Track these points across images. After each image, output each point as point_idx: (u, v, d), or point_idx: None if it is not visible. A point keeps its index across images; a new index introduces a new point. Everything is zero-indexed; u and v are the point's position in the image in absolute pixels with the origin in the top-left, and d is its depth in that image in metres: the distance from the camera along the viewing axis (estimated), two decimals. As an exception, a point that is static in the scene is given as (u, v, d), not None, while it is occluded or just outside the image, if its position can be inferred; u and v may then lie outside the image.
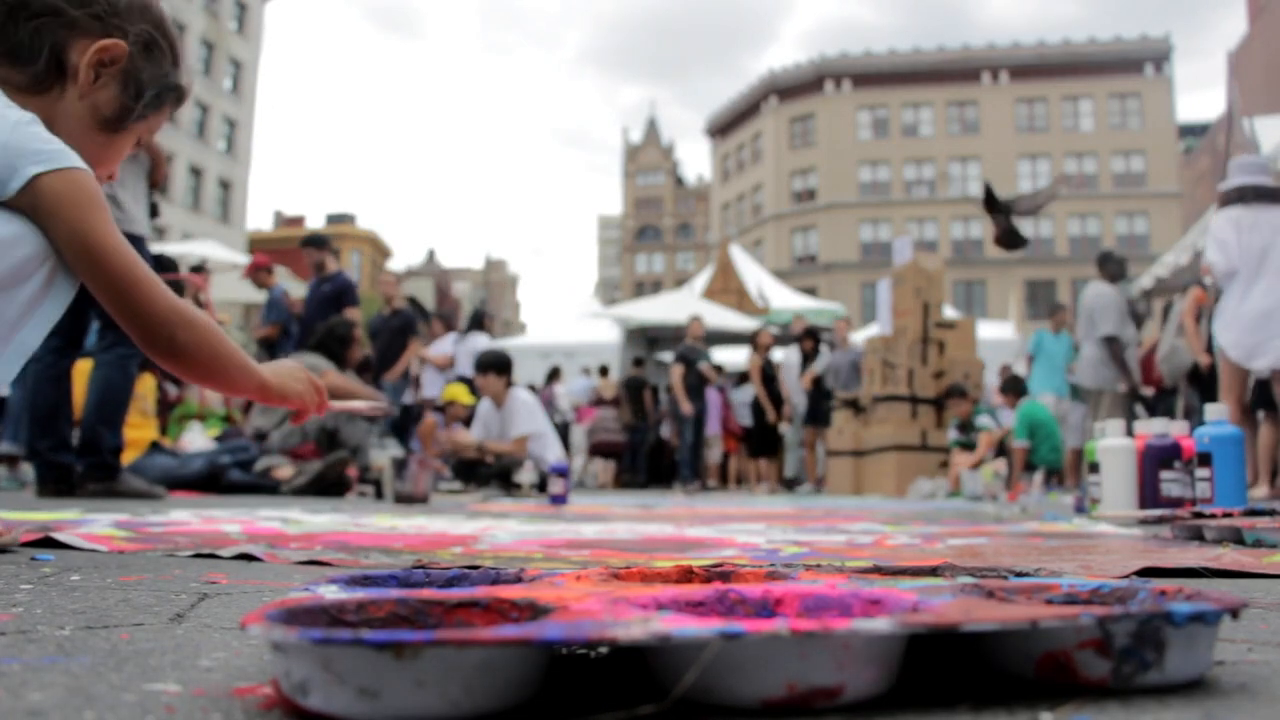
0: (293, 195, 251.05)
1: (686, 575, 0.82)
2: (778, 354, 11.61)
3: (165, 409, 7.22)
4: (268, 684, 0.57)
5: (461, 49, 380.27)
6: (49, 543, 1.63)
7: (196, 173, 35.09)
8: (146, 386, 6.31)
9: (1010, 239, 4.26)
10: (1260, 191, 4.95)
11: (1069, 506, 4.35)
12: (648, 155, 73.68)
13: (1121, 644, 0.55)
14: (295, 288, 10.14)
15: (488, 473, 6.58)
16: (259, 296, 9.99)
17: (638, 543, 2.08)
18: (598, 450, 12.03)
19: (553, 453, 6.65)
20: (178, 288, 5.70)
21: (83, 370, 4.38)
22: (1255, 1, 19.34)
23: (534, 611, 0.61)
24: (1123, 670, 0.56)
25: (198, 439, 5.90)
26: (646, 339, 14.79)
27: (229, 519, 2.58)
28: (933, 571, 0.90)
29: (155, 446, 5.38)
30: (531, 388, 10.58)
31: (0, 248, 1.17)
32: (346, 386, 5.56)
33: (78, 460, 3.87)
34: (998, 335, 15.36)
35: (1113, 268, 7.21)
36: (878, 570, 0.93)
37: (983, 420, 8.75)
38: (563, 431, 11.28)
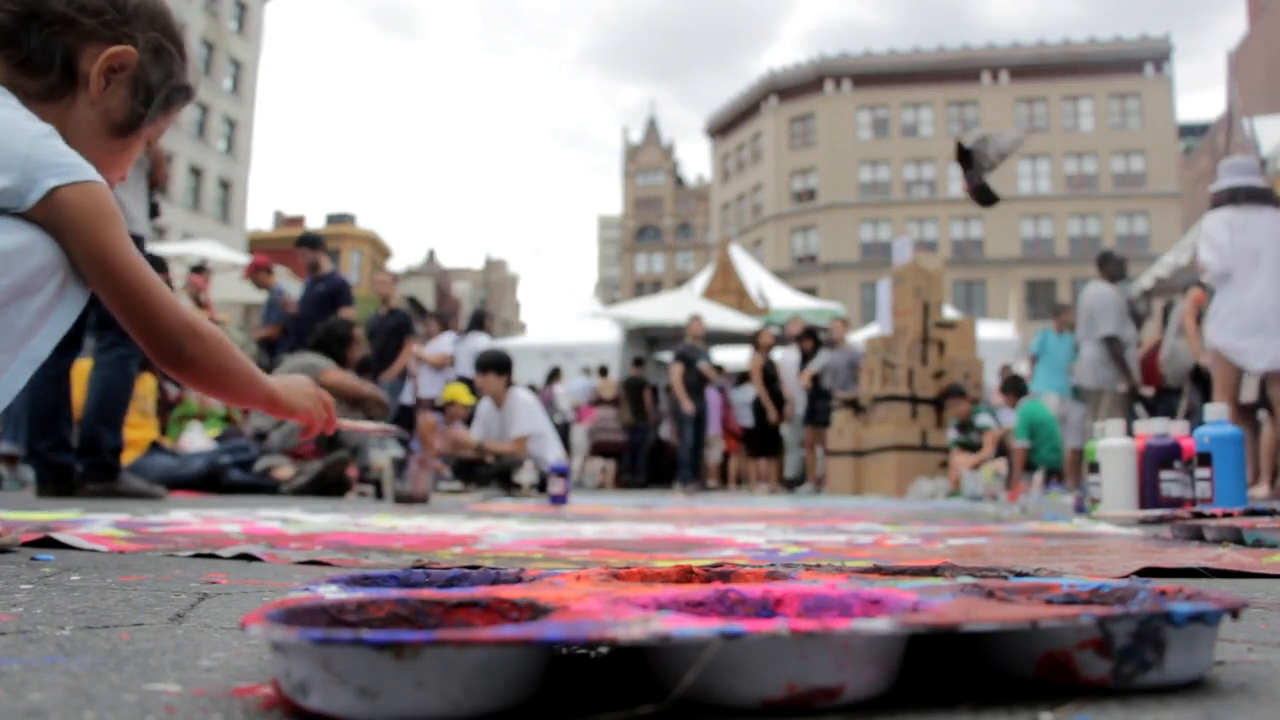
0: (293, 195, 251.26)
1: (686, 575, 0.82)
2: (776, 354, 11.62)
3: (165, 409, 7.22)
4: (268, 684, 0.57)
5: (461, 49, 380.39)
6: (49, 543, 1.63)
7: (196, 173, 35.09)
8: (146, 386, 6.31)
9: (983, 195, 4.25)
10: (1251, 192, 4.96)
11: (1069, 506, 4.36)
12: (648, 155, 73.68)
13: (1121, 644, 0.55)
14: (295, 288, 10.13)
15: (488, 473, 6.58)
16: (259, 296, 9.99)
17: (638, 543, 2.08)
18: (597, 450, 12.04)
19: (553, 453, 6.66)
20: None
21: (83, 370, 4.38)
22: (1255, 1, 19.34)
23: (534, 611, 0.61)
24: (1123, 670, 0.56)
25: (198, 439, 5.90)
26: (646, 339, 14.79)
27: (229, 519, 2.58)
28: (933, 571, 0.90)
29: (155, 446, 5.39)
30: (531, 388, 10.58)
31: (14, 257, 1.18)
32: (347, 384, 5.56)
33: (78, 460, 3.87)
34: (998, 335, 15.36)
35: (1113, 268, 7.21)
36: (878, 570, 0.93)
37: (983, 420, 8.75)
38: (563, 431, 11.28)
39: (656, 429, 12.07)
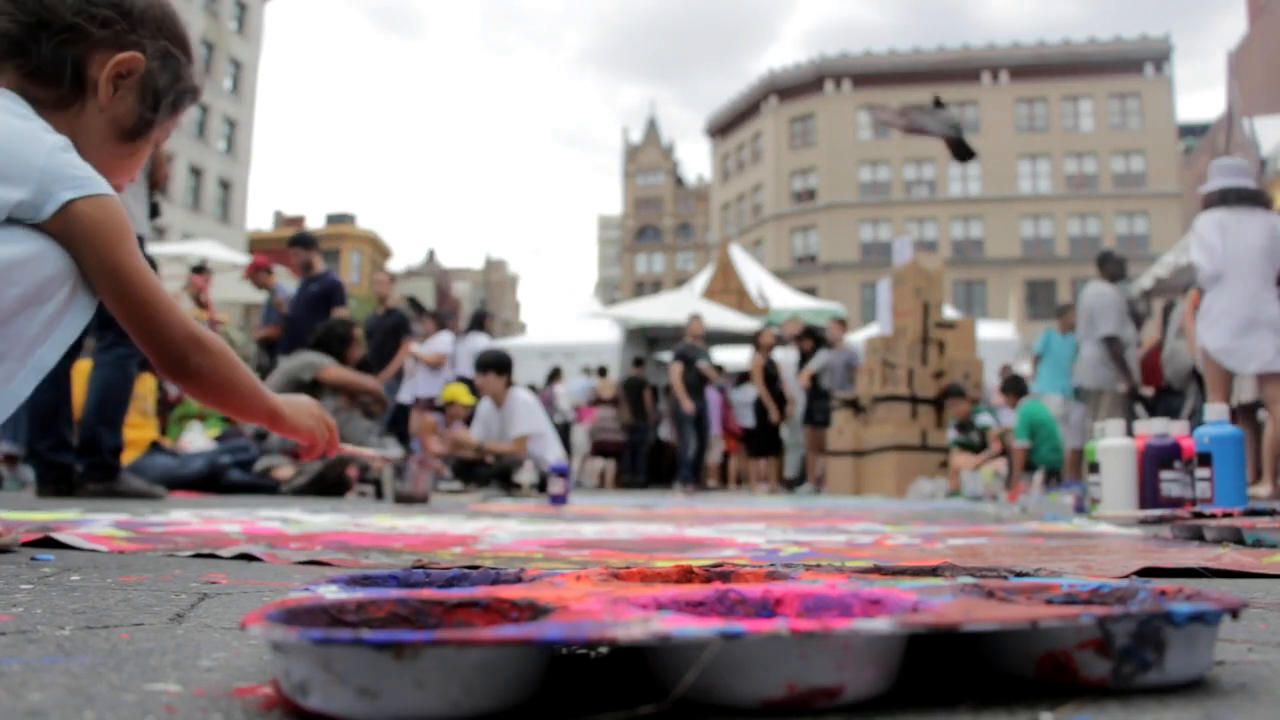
0: (293, 195, 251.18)
1: (686, 575, 0.82)
2: (776, 353, 11.63)
3: (165, 409, 7.23)
4: (268, 684, 0.57)
5: (461, 49, 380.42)
6: (49, 543, 1.63)
7: (196, 173, 35.09)
8: (146, 386, 6.31)
9: (959, 150, 4.29)
10: (1242, 194, 4.97)
11: (1069, 506, 4.36)
12: (648, 155, 73.68)
13: (1121, 644, 0.55)
14: (295, 288, 10.14)
15: (488, 473, 6.58)
16: (259, 296, 9.99)
17: (638, 543, 2.08)
18: (597, 450, 12.04)
19: (553, 453, 6.66)
20: None
21: (82, 370, 4.39)
22: (1255, 1, 19.35)
23: (534, 611, 0.61)
24: (1123, 670, 0.56)
25: (198, 439, 5.90)
26: (646, 339, 14.79)
27: (229, 519, 2.58)
28: (933, 571, 0.90)
29: (155, 446, 5.39)
30: (532, 388, 10.58)
31: (26, 266, 1.19)
32: (347, 379, 5.57)
33: (78, 460, 3.87)
34: (998, 335, 15.36)
35: (1113, 268, 7.21)
36: (878, 570, 0.93)
37: (983, 419, 8.75)
38: (563, 432, 11.29)
39: (656, 429, 12.08)
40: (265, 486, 5.12)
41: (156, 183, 4.08)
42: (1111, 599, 0.67)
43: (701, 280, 17.75)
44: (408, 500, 4.44)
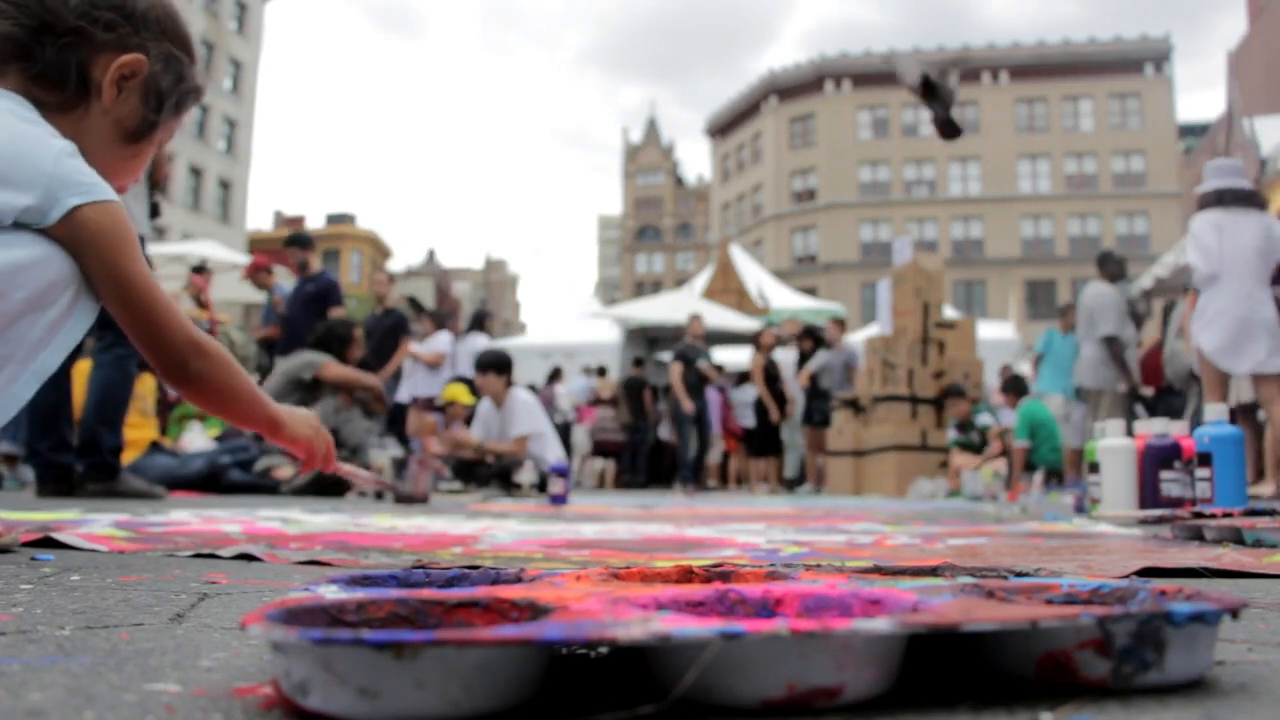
0: (293, 195, 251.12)
1: (686, 575, 0.82)
2: (776, 353, 11.63)
3: (165, 409, 7.22)
4: (268, 684, 0.57)
5: (461, 49, 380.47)
6: (49, 543, 1.63)
7: (196, 173, 35.09)
8: (146, 386, 6.31)
9: (948, 128, 4.26)
10: (1238, 195, 4.97)
11: (1069, 506, 4.36)
12: (648, 155, 73.68)
13: (1121, 644, 0.55)
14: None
15: (488, 473, 6.58)
16: (259, 296, 9.98)
17: (638, 543, 2.08)
18: (597, 450, 12.04)
19: (553, 453, 6.66)
20: None
21: (82, 370, 4.39)
22: (1255, 1, 19.35)
23: (534, 611, 0.61)
24: (1123, 670, 0.56)
25: (198, 439, 5.90)
26: (646, 339, 14.79)
27: (229, 519, 2.58)
28: (933, 571, 0.90)
29: (155, 446, 5.39)
30: (532, 388, 10.58)
31: (31, 270, 1.20)
32: (348, 377, 5.57)
33: (78, 460, 3.87)
34: (998, 335, 15.36)
35: (1113, 268, 7.21)
36: (878, 570, 0.93)
37: (983, 419, 8.75)
38: (563, 432, 11.29)
39: (656, 429, 12.08)
40: (265, 486, 5.12)
41: (157, 183, 4.08)
42: (1111, 599, 0.67)
43: (701, 280, 17.76)
44: (408, 500, 4.44)
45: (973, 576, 0.85)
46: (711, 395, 10.73)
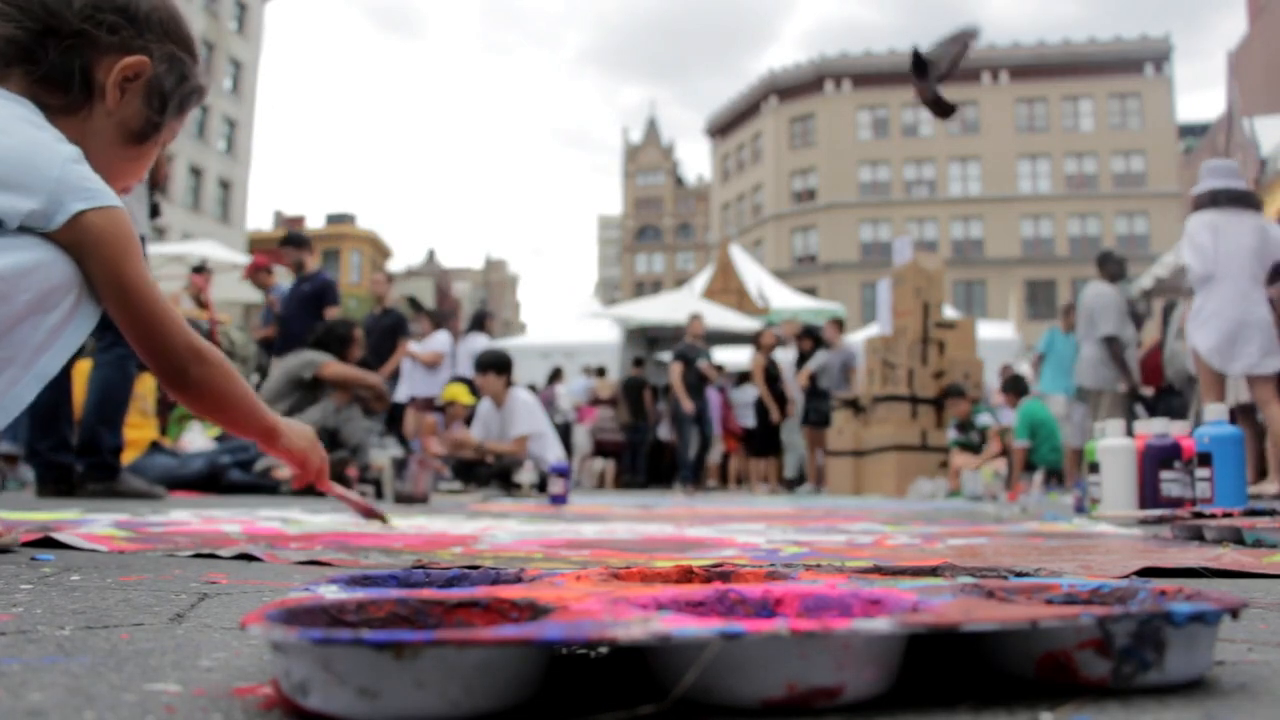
0: (293, 195, 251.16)
1: (686, 575, 0.82)
2: (776, 353, 11.63)
3: (165, 409, 7.22)
4: (268, 684, 0.57)
5: (461, 49, 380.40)
6: (49, 543, 1.63)
7: (196, 173, 35.09)
8: (146, 386, 6.31)
9: (938, 107, 4.23)
10: (1233, 195, 4.98)
11: (1069, 506, 4.36)
12: (648, 155, 73.68)
13: (1121, 644, 0.55)
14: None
15: (488, 473, 6.58)
16: (259, 296, 9.98)
17: (638, 543, 2.08)
18: (597, 450, 12.04)
19: (553, 453, 6.66)
20: None
21: (82, 370, 4.39)
22: (1255, 1, 19.35)
23: (534, 611, 0.61)
24: (1123, 670, 0.56)
25: (198, 439, 5.90)
26: (646, 339, 14.79)
27: (229, 519, 2.58)
28: (933, 571, 0.90)
29: (155, 446, 5.39)
30: (531, 388, 10.58)
31: (34, 273, 1.21)
32: (349, 375, 5.57)
33: (78, 460, 3.87)
34: (998, 335, 15.36)
35: (1113, 268, 7.21)
36: (878, 570, 0.93)
37: (983, 419, 8.75)
38: (564, 432, 11.29)
39: (655, 429, 12.08)
40: (265, 486, 5.12)
41: (156, 183, 4.08)
42: (1111, 599, 0.67)
43: (701, 280, 17.76)
44: (408, 500, 4.44)
45: (973, 576, 0.85)
46: (712, 395, 10.74)
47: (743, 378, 12.03)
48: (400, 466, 4.56)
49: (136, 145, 1.43)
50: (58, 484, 3.81)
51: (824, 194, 42.72)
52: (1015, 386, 8.55)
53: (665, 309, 14.79)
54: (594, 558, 1.65)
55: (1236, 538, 1.90)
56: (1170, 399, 7.90)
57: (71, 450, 3.86)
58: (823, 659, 0.51)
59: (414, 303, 12.82)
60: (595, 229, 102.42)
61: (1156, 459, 2.79)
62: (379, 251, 50.69)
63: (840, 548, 1.98)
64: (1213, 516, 2.00)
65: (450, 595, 0.64)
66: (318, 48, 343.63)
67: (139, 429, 5.75)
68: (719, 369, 11.10)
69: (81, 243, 1.25)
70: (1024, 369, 11.09)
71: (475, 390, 7.48)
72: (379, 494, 5.13)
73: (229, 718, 0.51)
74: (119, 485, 3.93)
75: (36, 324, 1.22)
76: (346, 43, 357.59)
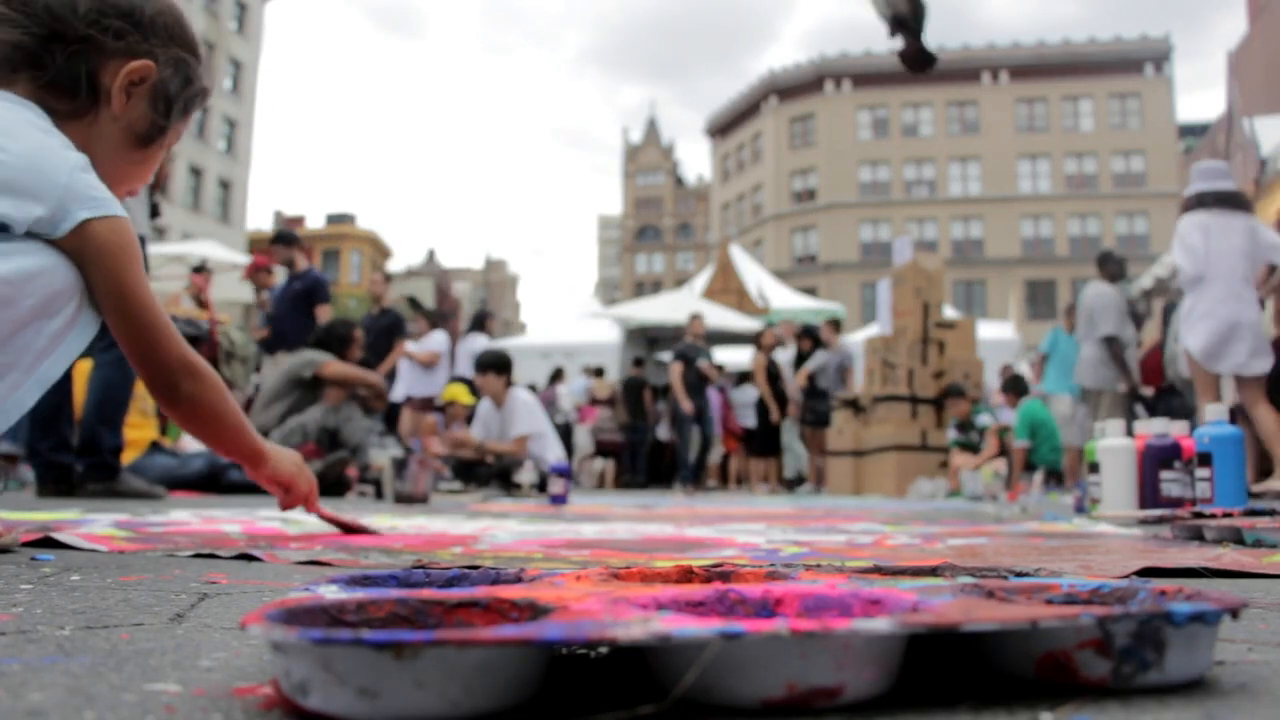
0: (293, 195, 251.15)
1: (686, 575, 0.82)
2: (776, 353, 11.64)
3: (165, 409, 7.20)
4: (268, 684, 0.57)
5: (461, 49, 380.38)
6: (49, 543, 1.63)
7: (196, 173, 35.09)
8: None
9: (920, 58, 4.19)
10: (1223, 197, 5.01)
11: (1069, 506, 4.35)
12: (648, 155, 73.67)
13: (1121, 644, 0.55)
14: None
15: (488, 473, 6.58)
16: (267, 299, 9.97)
17: (638, 543, 2.08)
18: (597, 450, 12.04)
19: (553, 453, 6.66)
20: None
21: (83, 370, 4.38)
22: (1255, 1, 19.35)
23: (534, 611, 0.61)
24: (1123, 670, 0.56)
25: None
26: (646, 339, 14.79)
27: (229, 519, 2.58)
28: (933, 571, 0.90)
29: (155, 446, 5.38)
30: (531, 388, 10.58)
31: (39, 279, 1.21)
32: (349, 374, 5.57)
33: (78, 460, 3.87)
34: (998, 335, 15.36)
35: (1113, 268, 7.21)
36: (878, 570, 0.93)
37: (983, 419, 8.75)
38: (566, 432, 11.29)
39: (655, 429, 12.07)
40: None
41: (157, 183, 4.08)
42: (1111, 599, 0.67)
43: (701, 280, 17.76)
44: (408, 500, 4.44)
45: (973, 576, 0.85)
46: (712, 395, 10.74)
47: (743, 378, 12.03)
48: (400, 466, 4.56)
49: (142, 149, 1.44)
50: (58, 484, 3.81)
51: (824, 194, 42.72)
52: (1015, 386, 8.54)
53: (665, 309, 14.79)
54: (594, 558, 1.65)
55: (1236, 538, 1.90)
56: (1170, 399, 7.90)
57: (71, 450, 3.86)
58: (823, 659, 0.51)
59: (414, 303, 12.82)
60: (595, 229, 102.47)
61: (1156, 459, 2.79)
62: (379, 251, 50.67)
63: (840, 548, 1.98)
64: (1213, 516, 2.00)
65: (450, 595, 0.64)
66: (318, 48, 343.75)
67: (139, 429, 5.74)
68: (719, 369, 11.11)
69: (85, 250, 1.25)
70: (1023, 369, 11.09)
71: (475, 390, 7.49)
72: (379, 494, 5.13)
73: (229, 718, 0.51)
74: (119, 485, 3.93)
75: (40, 329, 1.23)
76: (346, 43, 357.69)
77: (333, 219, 53.49)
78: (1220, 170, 5.19)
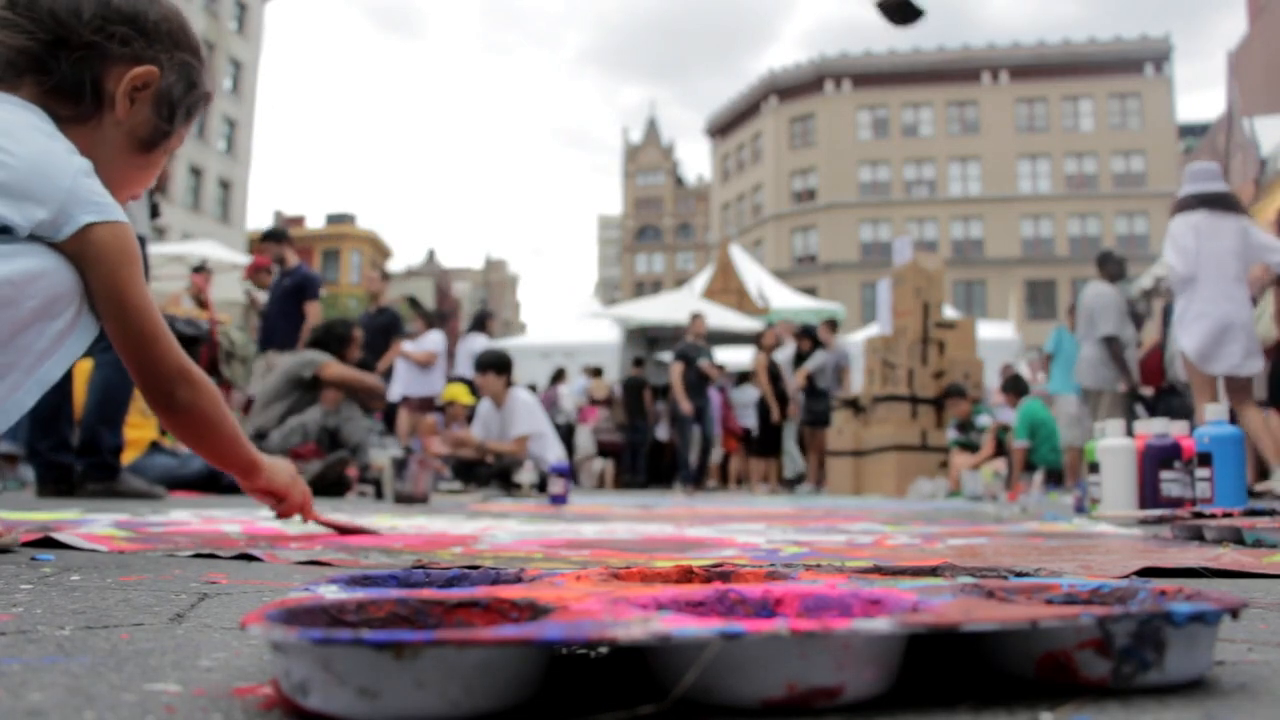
0: (293, 195, 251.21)
1: (686, 575, 0.82)
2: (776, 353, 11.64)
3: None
4: (268, 684, 0.57)
5: (461, 49, 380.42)
6: (49, 543, 1.63)
7: (196, 173, 35.09)
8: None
9: (904, 9, 4.17)
10: (1215, 198, 5.03)
11: (1069, 506, 4.35)
12: (648, 155, 73.67)
13: (1121, 644, 0.55)
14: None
15: (488, 473, 6.58)
16: (259, 297, 9.97)
17: (638, 543, 2.08)
18: (598, 450, 12.04)
19: (553, 453, 6.66)
20: None
21: (83, 370, 4.38)
22: (1255, 1, 19.35)
23: (534, 611, 0.61)
24: (1123, 670, 0.56)
25: (198, 439, 5.89)
26: (646, 339, 14.79)
27: (229, 519, 2.58)
28: (933, 571, 0.90)
29: (155, 446, 5.38)
30: (531, 388, 10.58)
31: (41, 280, 1.22)
32: (348, 375, 5.57)
33: (78, 460, 3.87)
34: (998, 335, 15.36)
35: (1113, 268, 7.22)
36: (878, 570, 0.93)
37: (983, 420, 8.75)
38: (567, 432, 11.28)
39: (654, 429, 12.07)
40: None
41: (157, 183, 4.08)
42: (1111, 599, 0.67)
43: (701, 280, 17.76)
44: (408, 500, 4.44)
45: (973, 576, 0.85)
46: (713, 395, 10.74)
47: (743, 378, 12.03)
48: (400, 466, 4.56)
49: (145, 153, 1.45)
50: (58, 484, 3.81)
51: (824, 194, 42.72)
52: (1015, 386, 8.54)
53: (665, 309, 14.79)
54: (594, 558, 1.65)
55: (1236, 538, 1.90)
56: (1170, 399, 7.90)
57: (71, 450, 3.86)
58: (823, 659, 0.51)
59: (413, 303, 12.82)
60: (595, 229, 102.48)
61: (1156, 459, 2.79)
62: (379, 251, 50.67)
63: (840, 548, 1.98)
64: (1213, 516, 2.00)
65: (450, 595, 0.64)
66: (318, 48, 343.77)
67: (139, 429, 5.74)
68: (720, 368, 11.11)
69: (86, 254, 1.26)
70: (1023, 369, 11.08)
71: (475, 390, 7.48)
72: (379, 494, 5.14)
73: (229, 718, 0.51)
74: (119, 485, 3.93)
75: (41, 330, 1.23)
76: (346, 43, 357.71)
77: (333, 219, 53.50)
78: (1212, 172, 5.21)
